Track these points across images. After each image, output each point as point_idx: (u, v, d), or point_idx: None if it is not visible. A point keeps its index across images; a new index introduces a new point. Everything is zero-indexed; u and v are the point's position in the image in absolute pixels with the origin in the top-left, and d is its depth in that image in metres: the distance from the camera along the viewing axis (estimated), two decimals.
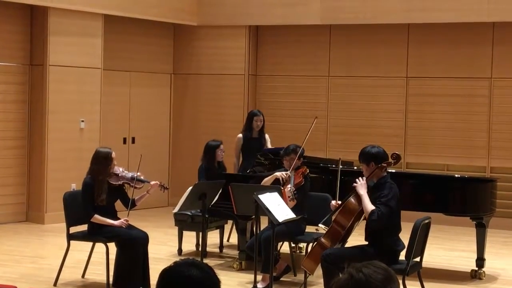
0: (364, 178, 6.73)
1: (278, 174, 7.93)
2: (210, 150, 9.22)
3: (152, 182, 7.50)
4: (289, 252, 8.47)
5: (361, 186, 6.66)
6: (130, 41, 12.58)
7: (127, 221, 7.34)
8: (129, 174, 7.49)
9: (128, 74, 12.63)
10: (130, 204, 7.54)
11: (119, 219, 7.54)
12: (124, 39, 12.47)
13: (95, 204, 7.32)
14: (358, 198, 6.67)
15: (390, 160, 6.85)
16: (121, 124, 12.50)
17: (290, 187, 7.63)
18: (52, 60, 11.10)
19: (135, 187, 7.52)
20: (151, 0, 12.26)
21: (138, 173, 7.60)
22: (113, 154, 7.43)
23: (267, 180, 8.01)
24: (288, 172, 7.87)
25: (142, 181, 7.54)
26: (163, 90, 13.24)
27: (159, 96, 13.16)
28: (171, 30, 13.23)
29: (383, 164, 6.72)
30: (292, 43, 12.82)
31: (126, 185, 7.51)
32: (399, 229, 6.79)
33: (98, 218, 7.31)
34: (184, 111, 13.27)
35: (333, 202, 7.02)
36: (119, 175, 7.46)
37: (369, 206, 6.54)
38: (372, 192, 6.69)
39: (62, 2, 11.01)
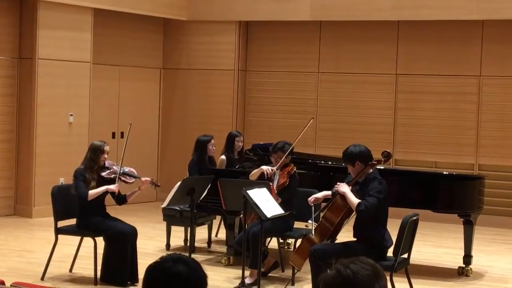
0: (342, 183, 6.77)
1: (264, 168, 7.95)
2: (201, 145, 9.23)
3: (143, 179, 7.49)
4: (277, 247, 8.48)
5: (341, 186, 6.69)
6: (119, 36, 12.54)
7: (117, 187, 7.38)
8: (121, 169, 7.48)
9: (118, 68, 12.60)
10: (120, 199, 7.56)
11: (108, 214, 7.54)
12: (113, 33, 12.43)
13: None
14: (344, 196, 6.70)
15: (380, 157, 6.88)
16: (110, 118, 12.47)
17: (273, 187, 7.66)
18: (41, 53, 11.06)
19: (126, 182, 7.53)
20: None
21: (131, 168, 7.61)
22: (106, 147, 7.46)
23: (254, 173, 8.04)
24: (274, 169, 7.88)
25: (132, 176, 7.54)
26: (153, 85, 13.21)
27: (148, 90, 13.13)
28: (161, 25, 13.20)
29: (373, 162, 6.73)
30: (282, 39, 12.82)
31: (118, 180, 7.49)
32: (385, 225, 6.80)
33: (92, 192, 7.29)
34: (173, 106, 13.26)
35: (311, 198, 7.04)
36: (111, 169, 7.47)
37: (354, 200, 6.58)
38: (361, 188, 6.70)
39: None
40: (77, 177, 7.38)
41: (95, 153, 7.42)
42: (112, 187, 7.35)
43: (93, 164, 7.40)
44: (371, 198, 6.55)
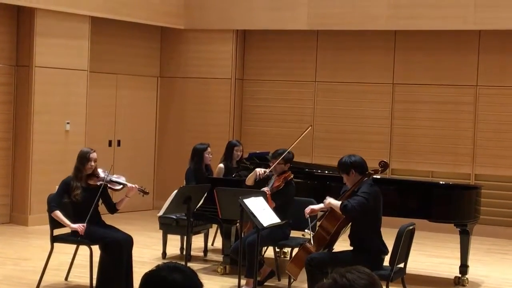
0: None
1: (257, 170, 8.08)
2: (198, 153, 9.24)
3: (129, 185, 7.46)
4: (273, 256, 8.47)
5: (326, 200, 6.75)
6: (117, 44, 12.55)
7: (84, 226, 7.26)
8: (109, 176, 7.47)
9: (115, 76, 12.60)
10: (111, 208, 7.55)
11: (103, 222, 7.53)
12: (111, 41, 12.44)
13: (72, 200, 7.32)
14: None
15: (377, 167, 6.89)
16: (106, 126, 12.47)
17: (267, 189, 7.71)
18: (38, 61, 11.06)
19: (113, 189, 7.52)
20: (139, 2, 12.24)
21: (120, 176, 7.60)
22: (93, 155, 7.43)
23: (249, 177, 8.22)
24: (267, 171, 7.95)
25: (119, 183, 7.51)
26: (150, 93, 13.21)
27: (145, 99, 13.13)
28: (158, 33, 13.21)
29: (370, 172, 6.75)
30: (279, 48, 12.84)
31: (108, 188, 7.49)
32: (380, 233, 6.82)
33: (57, 215, 7.31)
34: (170, 114, 13.25)
35: (307, 209, 7.01)
36: (99, 176, 7.46)
37: (337, 203, 6.64)
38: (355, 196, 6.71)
39: (49, 4, 10.97)
40: (58, 188, 7.43)
41: (81, 161, 7.42)
42: (74, 226, 7.28)
43: (79, 172, 7.39)
44: (356, 197, 6.59)
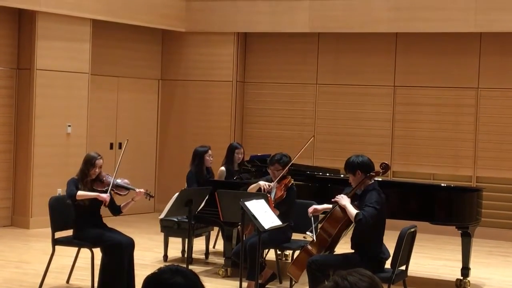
0: (342, 195, 6.75)
1: (261, 183, 7.94)
2: (199, 156, 9.23)
3: (137, 190, 7.48)
4: (275, 259, 8.47)
5: (342, 198, 6.68)
6: (118, 47, 12.55)
7: (109, 197, 7.34)
8: (114, 180, 7.47)
9: (116, 79, 12.61)
10: (115, 210, 7.55)
11: (105, 225, 7.53)
12: (112, 44, 12.45)
13: (79, 204, 7.33)
14: (343, 208, 6.68)
15: (378, 169, 6.88)
16: (108, 129, 12.47)
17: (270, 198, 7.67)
18: (40, 64, 11.07)
19: (119, 194, 7.52)
20: (140, 5, 12.25)
21: (125, 180, 7.60)
22: (99, 161, 7.41)
23: (252, 188, 8.04)
24: (272, 184, 7.87)
25: (125, 188, 7.53)
26: (151, 96, 13.22)
27: (146, 102, 13.14)
28: (159, 36, 13.22)
29: (371, 174, 6.74)
30: (280, 50, 12.84)
31: (112, 191, 7.49)
32: (382, 237, 6.80)
33: (81, 193, 7.29)
34: (171, 117, 13.26)
35: (310, 209, 6.99)
36: (104, 181, 7.46)
37: (353, 211, 6.57)
38: (359, 200, 6.70)
39: (50, 7, 10.99)
40: (68, 182, 7.42)
41: (86, 165, 7.43)
42: (103, 195, 7.31)
43: (84, 176, 7.40)
44: (368, 208, 6.55)
